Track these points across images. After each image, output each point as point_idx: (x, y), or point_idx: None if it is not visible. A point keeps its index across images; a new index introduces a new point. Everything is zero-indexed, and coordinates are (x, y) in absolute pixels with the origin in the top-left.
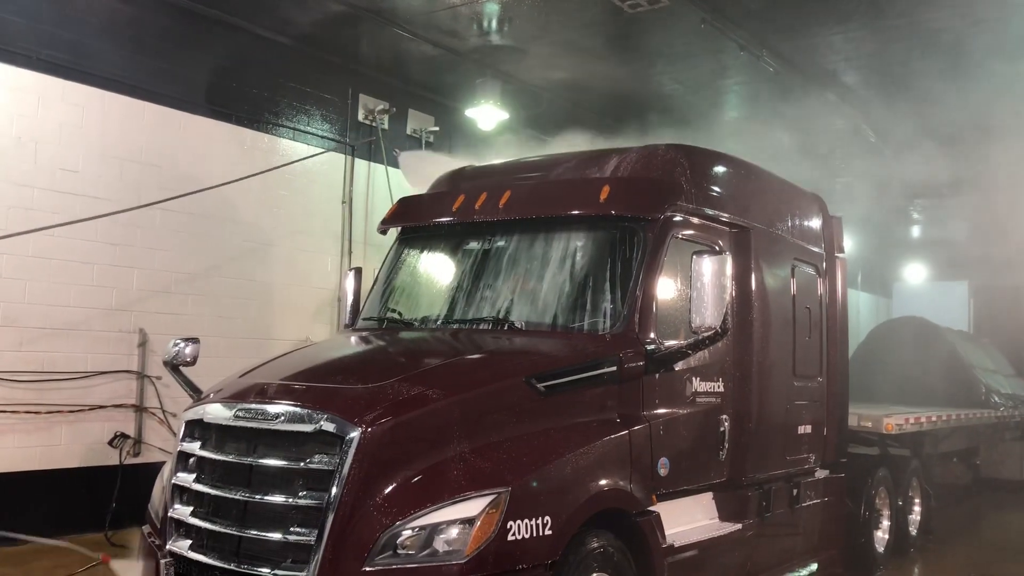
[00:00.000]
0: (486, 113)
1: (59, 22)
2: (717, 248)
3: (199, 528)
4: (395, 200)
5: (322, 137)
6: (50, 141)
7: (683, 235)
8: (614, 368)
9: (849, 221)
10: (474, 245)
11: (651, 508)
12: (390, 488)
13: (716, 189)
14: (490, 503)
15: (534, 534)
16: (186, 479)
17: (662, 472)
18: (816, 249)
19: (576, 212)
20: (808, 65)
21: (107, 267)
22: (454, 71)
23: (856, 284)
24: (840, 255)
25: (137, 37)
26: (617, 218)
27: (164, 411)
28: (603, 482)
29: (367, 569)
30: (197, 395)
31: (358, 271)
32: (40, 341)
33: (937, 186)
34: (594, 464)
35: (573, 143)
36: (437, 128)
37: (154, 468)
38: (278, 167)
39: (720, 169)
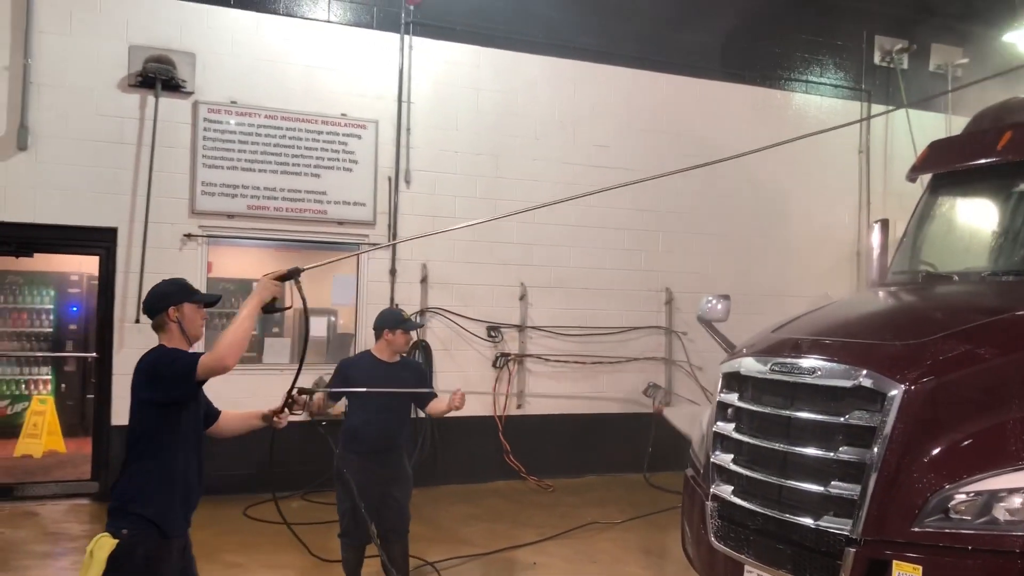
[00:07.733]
0: None
1: (587, 10)
2: None
3: (740, 474)
4: (918, 145)
5: (835, 86)
6: (584, 121)
7: None
8: None
9: None
10: None
11: None
12: (937, 450)
13: None
14: None
15: None
16: (726, 428)
17: None
18: None
19: None
20: None
21: (637, 231)
22: None
23: None
24: None
25: (651, 13)
26: None
27: (691, 364)
28: None
29: (916, 530)
30: (730, 349)
31: (884, 223)
32: (583, 300)
33: None
34: None
35: None
36: (966, 60)
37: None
38: (837, 128)
39: None
